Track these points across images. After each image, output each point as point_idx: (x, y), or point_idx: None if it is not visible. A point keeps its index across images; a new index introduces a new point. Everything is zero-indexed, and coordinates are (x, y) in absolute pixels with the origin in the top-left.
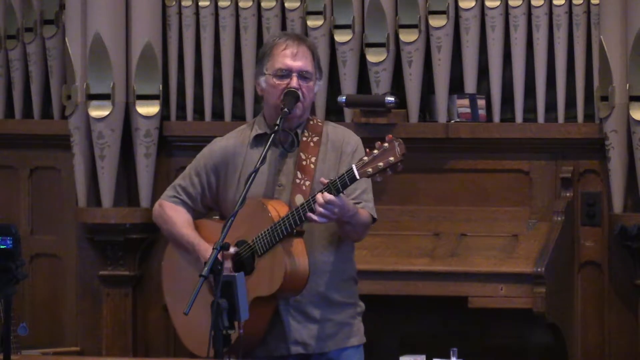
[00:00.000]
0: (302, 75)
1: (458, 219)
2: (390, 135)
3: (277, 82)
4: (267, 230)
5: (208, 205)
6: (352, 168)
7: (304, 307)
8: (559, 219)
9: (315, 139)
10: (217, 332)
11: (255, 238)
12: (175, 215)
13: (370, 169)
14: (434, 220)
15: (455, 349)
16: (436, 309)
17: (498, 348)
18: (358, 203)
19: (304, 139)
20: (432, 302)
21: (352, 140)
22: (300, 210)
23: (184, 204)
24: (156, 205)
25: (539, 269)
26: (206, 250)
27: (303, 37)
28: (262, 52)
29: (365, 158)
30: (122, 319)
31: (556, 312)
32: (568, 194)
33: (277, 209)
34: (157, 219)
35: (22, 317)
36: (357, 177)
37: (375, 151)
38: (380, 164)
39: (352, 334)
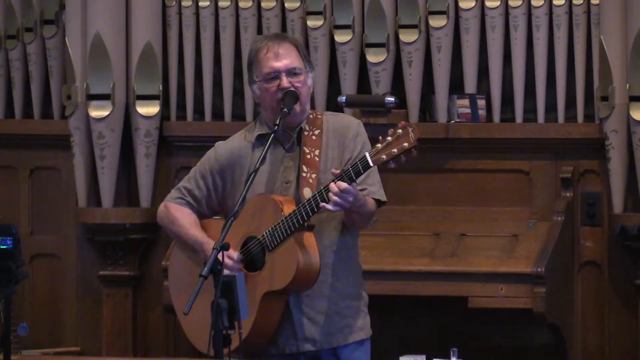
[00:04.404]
0: (291, 72)
1: (458, 219)
2: (404, 122)
3: (268, 85)
4: (278, 224)
5: (213, 208)
6: (365, 156)
7: (314, 300)
8: (559, 219)
9: (316, 132)
10: (217, 332)
11: (265, 233)
12: (181, 216)
13: (384, 156)
14: (434, 220)
15: (455, 349)
16: (436, 309)
17: (498, 348)
18: (363, 190)
19: (306, 133)
20: (432, 302)
21: (352, 124)
22: (312, 202)
23: (189, 205)
24: (161, 206)
25: (539, 269)
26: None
27: (283, 34)
28: (249, 60)
29: (379, 145)
30: (122, 319)
31: (556, 312)
32: (568, 194)
33: (287, 204)
34: (162, 220)
35: (22, 317)
36: (371, 164)
37: (389, 138)
38: (394, 150)
39: (359, 327)
